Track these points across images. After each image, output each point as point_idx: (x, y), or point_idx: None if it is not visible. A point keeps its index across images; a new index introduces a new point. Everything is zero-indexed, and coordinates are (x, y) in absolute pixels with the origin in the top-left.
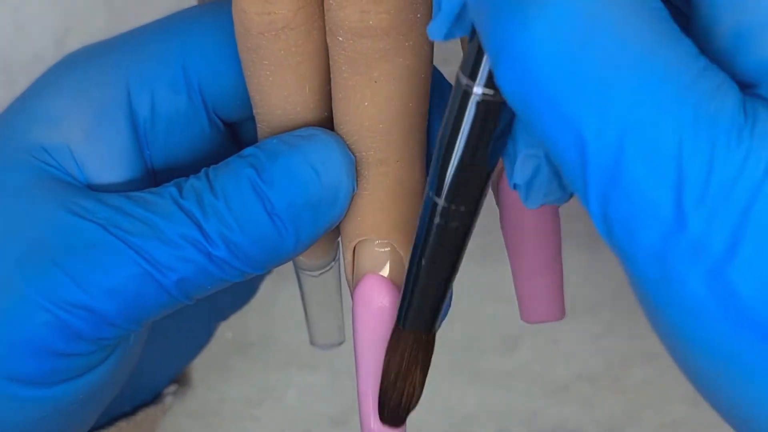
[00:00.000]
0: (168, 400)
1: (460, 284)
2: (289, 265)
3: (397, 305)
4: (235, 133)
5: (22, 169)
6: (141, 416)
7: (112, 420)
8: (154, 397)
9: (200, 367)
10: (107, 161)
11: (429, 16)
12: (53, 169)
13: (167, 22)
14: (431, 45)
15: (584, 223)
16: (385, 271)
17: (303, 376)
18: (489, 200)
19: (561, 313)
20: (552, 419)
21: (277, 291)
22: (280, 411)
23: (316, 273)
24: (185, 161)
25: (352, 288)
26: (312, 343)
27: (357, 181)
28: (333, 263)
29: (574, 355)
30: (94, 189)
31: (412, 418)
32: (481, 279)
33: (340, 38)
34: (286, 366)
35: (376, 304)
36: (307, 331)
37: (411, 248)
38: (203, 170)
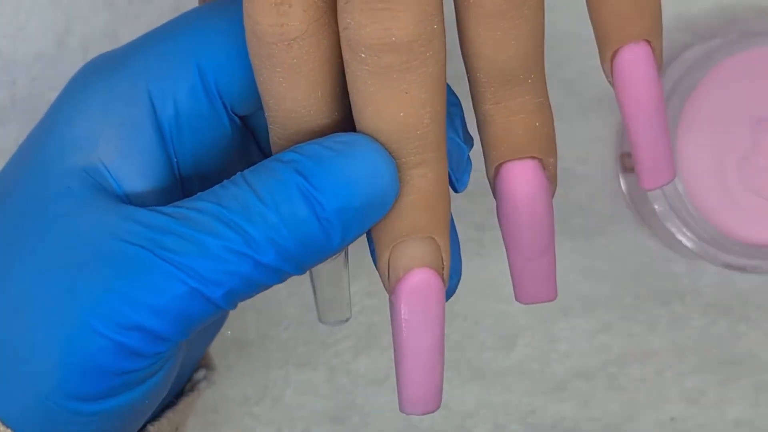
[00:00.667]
0: (203, 385)
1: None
2: None
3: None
4: (245, 124)
5: (64, 196)
6: (183, 404)
7: (159, 412)
8: (188, 384)
9: None
10: (142, 173)
11: (443, 29)
12: (93, 191)
13: (177, 25)
14: (445, 50)
15: (582, 219)
16: (429, 263)
17: (302, 374)
18: (485, 197)
19: (553, 295)
20: (549, 417)
21: (277, 289)
22: (279, 409)
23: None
24: (211, 161)
25: (392, 284)
26: (321, 320)
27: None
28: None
29: (571, 353)
30: (131, 200)
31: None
32: (479, 277)
33: (363, 55)
34: (285, 364)
35: (429, 299)
36: (316, 312)
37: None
38: (239, 176)
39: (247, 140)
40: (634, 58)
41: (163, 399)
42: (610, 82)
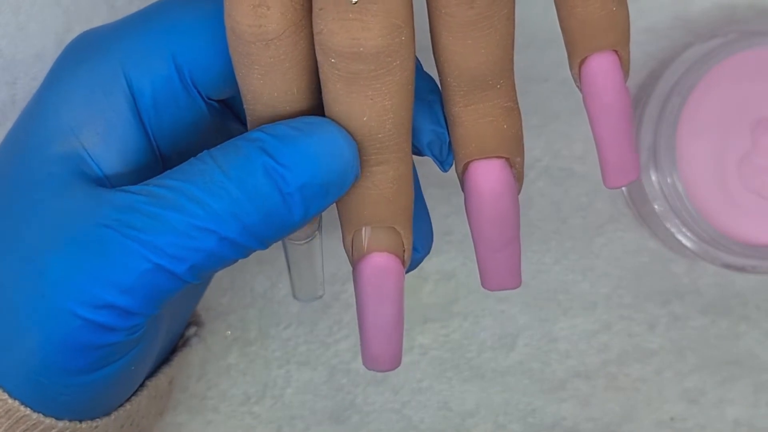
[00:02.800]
0: (194, 341)
1: (458, 283)
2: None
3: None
4: (224, 103)
5: (46, 182)
6: (177, 359)
7: (156, 369)
8: (180, 340)
9: (199, 363)
10: (122, 157)
11: (412, 39)
12: (73, 177)
13: (154, 13)
14: (414, 58)
15: (581, 219)
16: (387, 248)
17: (302, 373)
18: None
19: (518, 282)
20: (549, 416)
21: (276, 289)
22: (279, 407)
23: (302, 242)
24: (190, 142)
25: (354, 262)
26: (295, 297)
27: (360, 175)
28: (317, 233)
29: (571, 353)
30: (113, 183)
31: (410, 414)
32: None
33: (333, 60)
34: (286, 363)
35: (386, 277)
36: (291, 290)
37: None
38: (206, 153)
39: (227, 118)
40: (601, 67)
41: (159, 356)
42: (578, 87)
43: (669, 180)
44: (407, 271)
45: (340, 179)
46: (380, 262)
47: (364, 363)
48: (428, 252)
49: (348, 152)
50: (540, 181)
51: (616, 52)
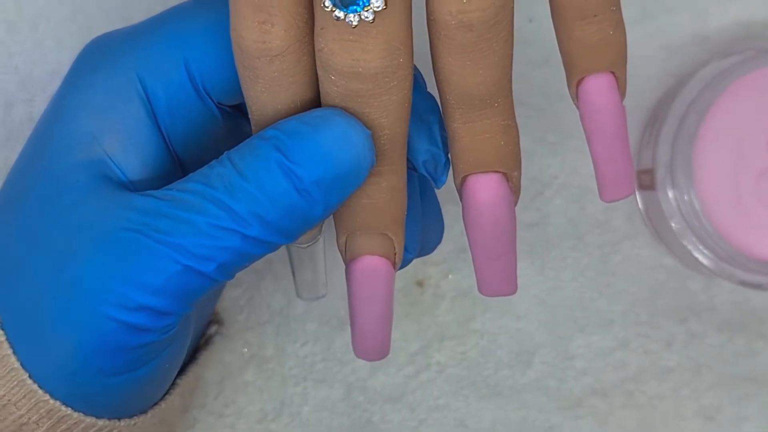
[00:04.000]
0: (216, 338)
1: (475, 300)
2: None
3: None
4: (240, 108)
5: (72, 189)
6: (202, 358)
7: (183, 367)
8: (203, 339)
9: (216, 381)
10: (143, 161)
11: (410, 60)
12: (99, 183)
13: (168, 20)
14: (411, 78)
15: (598, 236)
16: (377, 252)
17: (319, 391)
18: None
19: (513, 289)
20: None
21: (294, 306)
22: (296, 425)
23: (305, 245)
24: (205, 144)
25: (346, 262)
26: (298, 296)
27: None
28: (319, 236)
29: (588, 370)
30: (136, 188)
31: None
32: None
33: (333, 77)
34: (303, 381)
35: (376, 278)
36: (295, 289)
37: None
38: (225, 155)
39: (239, 119)
40: (598, 88)
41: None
42: (576, 105)
43: (686, 197)
44: (398, 269)
45: (354, 170)
46: (370, 265)
47: (355, 353)
48: (416, 255)
49: (359, 143)
50: (557, 199)
51: (612, 73)
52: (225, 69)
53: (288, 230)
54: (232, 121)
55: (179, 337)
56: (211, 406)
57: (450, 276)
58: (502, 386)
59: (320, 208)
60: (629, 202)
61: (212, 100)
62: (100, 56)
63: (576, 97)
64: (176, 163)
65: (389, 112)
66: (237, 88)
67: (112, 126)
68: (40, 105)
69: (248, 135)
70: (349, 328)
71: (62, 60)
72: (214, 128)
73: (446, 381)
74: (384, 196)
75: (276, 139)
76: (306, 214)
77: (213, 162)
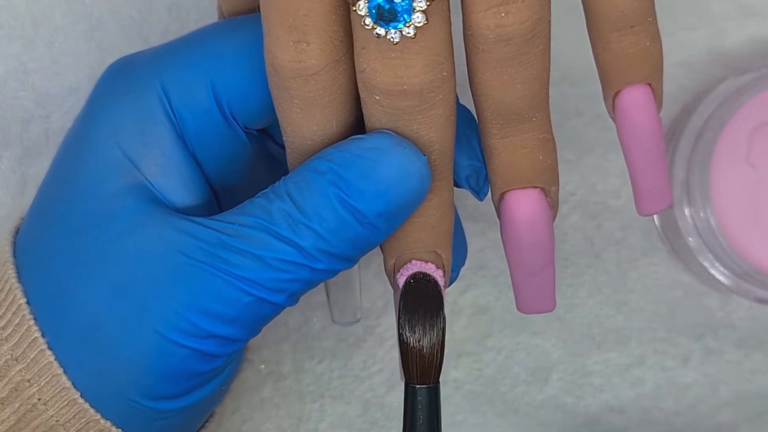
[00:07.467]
0: (246, 354)
1: (492, 317)
2: (322, 298)
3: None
4: (265, 131)
5: (121, 215)
6: (235, 384)
7: None
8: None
9: (233, 397)
10: (183, 186)
11: (453, 73)
12: (149, 207)
13: (195, 43)
14: (455, 91)
15: (615, 253)
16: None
17: (336, 407)
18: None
19: (552, 306)
20: None
21: (310, 322)
22: None
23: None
24: (234, 170)
25: (394, 277)
26: (334, 321)
27: None
28: None
29: (604, 387)
30: (179, 211)
31: None
32: (512, 311)
33: (377, 97)
34: (320, 397)
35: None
36: (330, 314)
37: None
38: (282, 189)
39: (266, 141)
40: (635, 100)
41: None
42: (612, 118)
43: (702, 214)
44: (446, 287)
45: (416, 199)
46: (424, 268)
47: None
48: (459, 273)
49: (417, 172)
50: (574, 215)
51: (649, 84)
52: (253, 92)
53: (352, 256)
54: (258, 144)
55: (236, 358)
56: (228, 422)
57: (467, 293)
58: (519, 403)
59: (384, 233)
60: (646, 220)
61: (238, 124)
62: (125, 79)
63: (612, 109)
64: (209, 188)
65: (437, 126)
66: (264, 112)
67: (148, 150)
68: (56, 122)
69: (275, 156)
70: (365, 346)
71: (79, 77)
72: (242, 153)
73: (463, 397)
74: (435, 213)
75: (332, 173)
76: (369, 241)
77: (269, 192)
